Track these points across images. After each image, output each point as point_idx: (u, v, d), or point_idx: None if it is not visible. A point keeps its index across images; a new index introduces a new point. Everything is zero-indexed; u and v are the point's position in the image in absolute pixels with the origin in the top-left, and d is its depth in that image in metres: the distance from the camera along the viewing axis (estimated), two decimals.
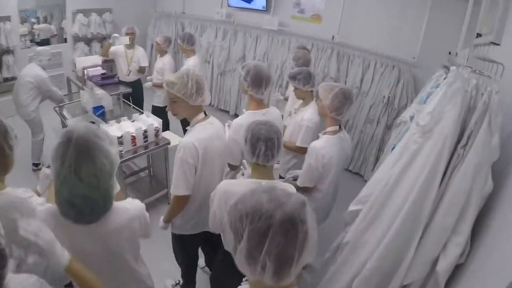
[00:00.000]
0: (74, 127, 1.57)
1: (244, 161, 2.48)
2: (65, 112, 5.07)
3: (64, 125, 4.96)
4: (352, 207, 2.52)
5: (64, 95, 5.80)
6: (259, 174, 2.20)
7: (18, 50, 7.13)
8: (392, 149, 3.41)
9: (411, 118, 2.88)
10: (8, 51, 7.06)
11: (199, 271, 3.40)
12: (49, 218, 1.60)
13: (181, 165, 2.46)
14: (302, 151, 3.29)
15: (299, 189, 2.84)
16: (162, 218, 2.79)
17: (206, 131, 2.54)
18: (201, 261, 3.60)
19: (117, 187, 1.80)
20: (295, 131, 3.49)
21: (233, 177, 2.89)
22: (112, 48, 5.80)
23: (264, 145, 2.09)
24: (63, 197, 1.56)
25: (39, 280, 1.33)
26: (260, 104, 3.02)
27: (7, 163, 1.88)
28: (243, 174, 2.45)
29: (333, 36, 5.55)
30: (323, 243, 3.41)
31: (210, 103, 7.40)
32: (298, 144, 3.43)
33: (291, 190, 2.05)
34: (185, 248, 3.00)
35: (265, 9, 6.45)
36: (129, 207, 1.79)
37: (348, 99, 2.80)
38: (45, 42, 7.69)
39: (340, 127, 2.91)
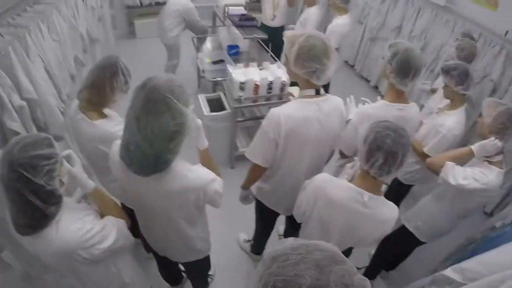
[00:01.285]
0: (156, 76, 1.52)
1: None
2: (203, 44, 5.21)
3: (197, 56, 5.09)
4: (450, 273, 2.12)
5: (208, 27, 5.93)
6: (365, 182, 1.83)
7: None
8: None
9: None
10: None
11: (274, 237, 3.31)
12: (116, 154, 1.65)
13: (260, 134, 2.23)
14: (425, 158, 2.82)
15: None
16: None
17: (304, 110, 2.12)
18: (281, 229, 3.44)
19: (203, 144, 1.90)
20: (430, 134, 2.93)
21: (342, 166, 2.50)
22: None
23: (383, 157, 1.68)
24: (124, 138, 1.57)
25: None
26: (400, 96, 2.45)
27: (104, 100, 2.13)
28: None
29: (507, 32, 4.33)
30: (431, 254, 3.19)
31: (354, 66, 7.03)
32: (425, 150, 2.88)
33: (392, 214, 1.87)
34: (261, 212, 2.86)
35: None
36: (190, 176, 1.68)
37: None
38: None
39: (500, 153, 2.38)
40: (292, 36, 2.06)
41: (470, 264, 2.06)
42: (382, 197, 1.86)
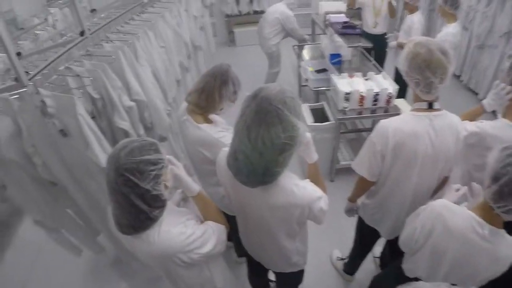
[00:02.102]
0: (267, 86, 1.50)
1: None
2: (303, 52, 5.24)
3: (299, 64, 5.08)
4: None
5: (307, 35, 5.98)
6: (486, 214, 1.63)
7: None
8: None
9: None
10: None
11: (369, 258, 3.12)
12: (224, 161, 1.65)
13: (368, 146, 2.16)
14: None
15: None
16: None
17: (414, 124, 1.99)
18: (377, 250, 3.26)
19: (312, 158, 1.81)
20: None
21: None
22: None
23: None
24: (232, 147, 1.56)
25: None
26: None
27: (211, 106, 2.18)
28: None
29: None
30: None
31: (459, 77, 6.50)
32: None
33: (508, 251, 1.66)
34: (361, 231, 2.76)
35: None
36: (297, 192, 1.62)
37: None
38: None
39: None
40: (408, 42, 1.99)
41: None
42: (503, 231, 1.66)
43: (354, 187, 2.47)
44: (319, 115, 4.19)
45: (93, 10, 3.65)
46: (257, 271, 2.46)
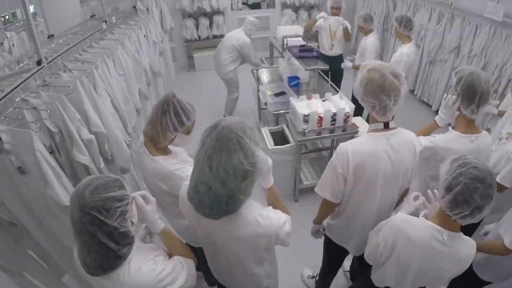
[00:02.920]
0: (227, 118, 1.53)
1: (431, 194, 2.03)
2: (262, 76, 5.30)
3: (258, 88, 5.11)
4: None
5: (266, 58, 6.16)
6: (444, 221, 1.77)
7: (228, 12, 8.04)
8: None
9: None
10: (218, 12, 8.05)
11: (340, 273, 3.14)
12: (185, 196, 1.60)
13: (329, 169, 2.20)
14: (500, 189, 2.55)
15: (500, 249, 2.19)
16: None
17: (372, 144, 2.07)
18: (346, 265, 3.33)
19: (269, 183, 1.82)
20: (501, 163, 2.70)
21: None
22: (317, 22, 5.61)
23: (469, 209, 1.62)
24: (193, 179, 1.52)
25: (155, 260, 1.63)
26: (470, 126, 2.37)
27: (158, 137, 2.08)
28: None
29: None
30: None
31: (413, 91, 6.85)
32: (498, 179, 2.58)
33: (469, 250, 1.80)
34: (329, 249, 2.76)
35: None
36: (262, 222, 1.64)
37: None
38: (256, 5, 8.28)
39: None
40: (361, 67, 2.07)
41: None
42: (461, 234, 1.81)
43: (318, 209, 2.51)
44: (280, 138, 4.26)
45: (50, 36, 3.62)
46: None
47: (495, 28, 5.11)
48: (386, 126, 2.08)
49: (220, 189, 1.44)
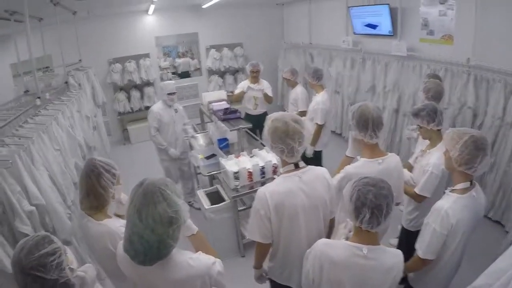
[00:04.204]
0: (150, 177, 1.76)
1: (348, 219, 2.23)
2: (194, 142, 5.43)
3: (190, 154, 5.26)
4: None
5: (197, 124, 6.38)
6: (361, 237, 1.95)
7: (158, 82, 8.15)
8: None
9: None
10: (148, 84, 8.25)
11: None
12: (121, 251, 1.77)
13: (253, 214, 2.37)
14: (420, 199, 2.95)
15: (418, 260, 2.46)
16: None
17: (286, 183, 2.30)
18: None
19: (192, 230, 2.05)
20: (419, 176, 3.04)
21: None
22: (238, 88, 6.04)
23: (369, 212, 1.83)
24: (126, 233, 1.70)
25: None
26: (375, 150, 2.63)
27: (103, 201, 2.23)
28: (350, 231, 2.21)
29: (468, 59, 4.77)
30: None
31: (341, 134, 7.41)
32: (417, 191, 2.98)
33: (396, 258, 1.96)
34: None
35: (391, 34, 6.02)
36: (193, 264, 1.80)
37: (481, 150, 2.25)
38: (185, 74, 8.61)
39: (471, 183, 2.38)
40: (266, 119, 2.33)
41: (479, 280, 2.06)
42: (381, 246, 1.96)
43: (255, 254, 2.63)
44: (215, 198, 4.40)
45: None
46: None
47: (402, 62, 5.85)
48: (297, 166, 2.33)
49: (151, 236, 1.63)
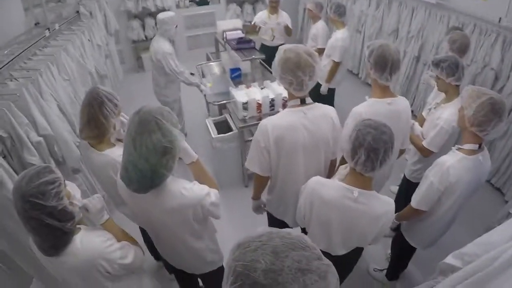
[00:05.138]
0: (147, 105, 1.75)
1: None
2: (205, 70, 5.36)
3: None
4: (450, 260, 2.10)
5: (212, 53, 6.24)
6: (355, 180, 1.93)
7: (173, 10, 7.69)
8: None
9: None
10: (164, 11, 7.44)
11: None
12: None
13: (254, 145, 2.37)
14: (426, 153, 2.89)
15: (410, 211, 2.53)
16: None
17: (289, 118, 2.25)
18: None
19: (190, 158, 1.99)
20: (430, 129, 2.94)
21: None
22: (255, 18, 5.80)
23: (365, 154, 1.79)
24: (123, 161, 1.73)
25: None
26: (386, 91, 2.57)
27: (104, 130, 2.25)
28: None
29: (500, 18, 4.39)
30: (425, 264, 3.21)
31: (358, 75, 7.18)
32: (425, 144, 2.93)
33: (386, 207, 1.95)
34: (272, 224, 2.85)
35: None
36: (185, 193, 1.82)
37: (497, 114, 2.14)
38: (204, 1, 8.12)
39: (480, 146, 2.30)
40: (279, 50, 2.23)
41: (467, 248, 2.05)
42: (374, 192, 1.95)
43: (253, 185, 2.68)
44: (224, 128, 4.41)
45: None
46: (184, 280, 2.61)
47: (430, 10, 5.50)
48: (303, 102, 2.26)
49: (144, 165, 1.65)
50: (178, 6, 7.97)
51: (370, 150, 1.77)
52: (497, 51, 4.46)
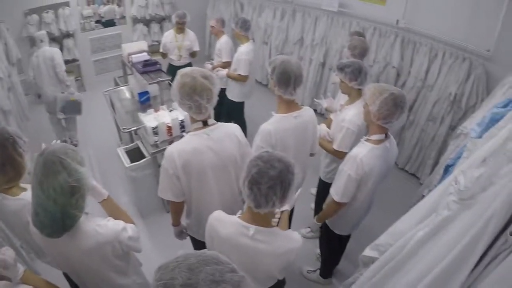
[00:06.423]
0: (52, 145, 1.71)
1: None
2: (114, 97, 5.15)
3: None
4: (368, 252, 2.24)
5: (119, 77, 6.03)
6: (251, 216, 1.82)
7: (78, 34, 7.41)
8: (445, 169, 3.06)
9: (474, 132, 2.63)
10: (68, 35, 7.38)
11: None
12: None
13: (163, 173, 2.34)
14: (339, 155, 3.01)
15: (333, 204, 2.65)
16: None
17: (194, 141, 2.25)
18: None
19: (102, 194, 2.00)
20: (336, 132, 3.10)
21: None
22: (163, 38, 5.74)
23: (248, 188, 1.70)
24: (32, 206, 1.66)
25: None
26: (291, 105, 2.63)
27: (20, 170, 2.14)
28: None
29: (397, 21, 4.92)
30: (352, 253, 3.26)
31: (267, 85, 7.28)
32: (335, 147, 3.07)
33: (291, 244, 1.87)
34: (195, 246, 2.84)
35: None
36: (100, 231, 1.78)
37: (399, 107, 2.34)
38: (110, 23, 7.88)
39: (386, 135, 2.52)
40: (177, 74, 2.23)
41: (381, 238, 2.18)
42: (275, 229, 1.86)
43: (170, 212, 2.65)
44: (137, 155, 4.23)
45: None
46: None
47: (332, 18, 5.89)
48: (205, 123, 2.29)
49: (54, 207, 1.60)
50: (83, 29, 7.59)
51: (253, 184, 1.67)
52: (397, 51, 4.99)
